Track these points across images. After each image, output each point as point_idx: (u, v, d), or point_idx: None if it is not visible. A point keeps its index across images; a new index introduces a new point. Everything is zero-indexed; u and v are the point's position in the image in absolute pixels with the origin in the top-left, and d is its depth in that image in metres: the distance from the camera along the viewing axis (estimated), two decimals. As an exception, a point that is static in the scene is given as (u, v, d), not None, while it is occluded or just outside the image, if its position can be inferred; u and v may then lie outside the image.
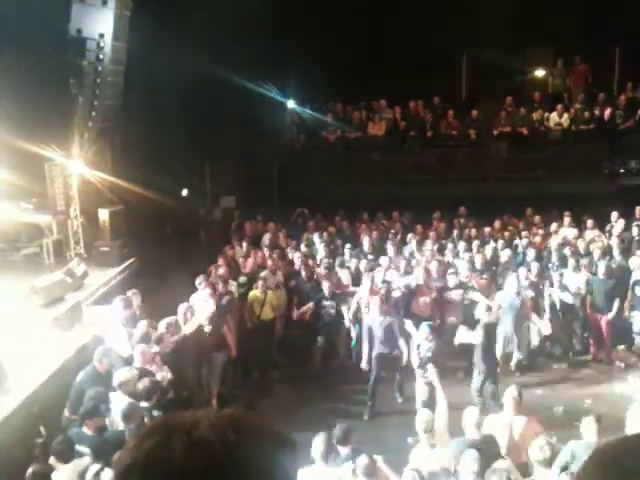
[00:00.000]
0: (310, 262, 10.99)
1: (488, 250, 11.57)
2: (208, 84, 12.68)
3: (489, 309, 8.73)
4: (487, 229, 12.89)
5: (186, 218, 13.37)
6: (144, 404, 5.88)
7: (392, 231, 12.91)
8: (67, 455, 5.04)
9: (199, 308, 8.40)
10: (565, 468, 5.12)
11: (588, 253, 11.31)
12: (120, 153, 11.70)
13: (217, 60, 12.02)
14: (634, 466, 0.92)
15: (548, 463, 5.07)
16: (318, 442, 5.20)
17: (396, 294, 9.61)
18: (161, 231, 12.22)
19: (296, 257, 11.12)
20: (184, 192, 13.72)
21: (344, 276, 10.54)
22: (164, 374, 6.86)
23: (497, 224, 13.20)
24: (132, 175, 11.14)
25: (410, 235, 12.28)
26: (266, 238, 12.42)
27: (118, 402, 5.85)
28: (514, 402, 6.16)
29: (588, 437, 5.39)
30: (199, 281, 9.17)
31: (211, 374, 8.53)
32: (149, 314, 8.19)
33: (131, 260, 11.22)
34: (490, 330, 8.41)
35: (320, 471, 5.14)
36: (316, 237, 12.39)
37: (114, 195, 11.39)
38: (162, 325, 7.67)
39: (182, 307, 8.38)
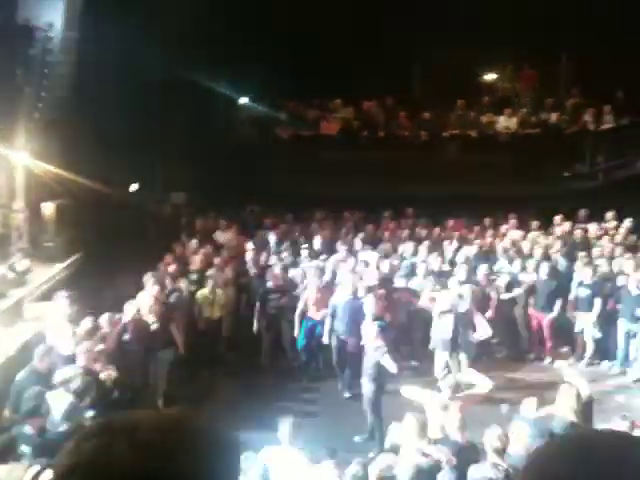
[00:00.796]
0: (262, 259, 11.01)
1: (445, 251, 11.78)
2: (162, 78, 12.50)
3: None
4: (437, 230, 13.11)
5: (135, 213, 13.16)
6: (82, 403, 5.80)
7: (343, 230, 13.00)
8: (6, 455, 4.93)
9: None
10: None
11: (531, 254, 11.64)
12: (69, 145, 11.40)
13: (172, 53, 11.87)
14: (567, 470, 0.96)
15: (501, 453, 5.26)
16: (285, 426, 5.43)
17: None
18: (109, 226, 11.98)
19: (247, 255, 11.10)
20: (133, 187, 13.50)
21: (297, 275, 10.59)
22: (109, 373, 6.77)
23: (449, 224, 13.45)
24: (80, 168, 10.88)
25: (360, 235, 12.40)
26: (217, 235, 12.36)
27: (58, 401, 5.75)
28: (451, 390, 6.39)
29: (526, 413, 5.64)
30: (147, 278, 9.07)
31: (157, 373, 8.44)
32: (95, 312, 8.05)
33: (77, 256, 10.99)
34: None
35: (285, 450, 5.32)
36: (271, 235, 12.38)
37: (61, 188, 11.13)
38: (105, 322, 7.56)
39: (129, 305, 8.28)
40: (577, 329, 10.53)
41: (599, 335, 10.29)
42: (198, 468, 0.94)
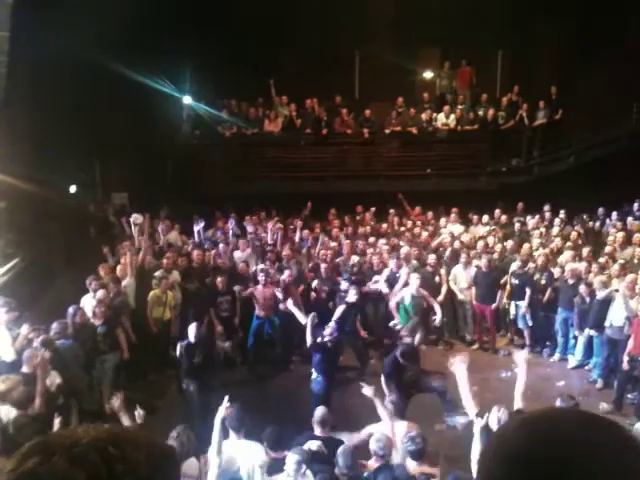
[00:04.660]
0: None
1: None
2: (100, 78, 12.22)
3: None
4: (384, 225, 13.30)
5: (75, 215, 12.86)
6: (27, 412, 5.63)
7: (291, 227, 13.03)
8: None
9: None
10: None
11: (473, 247, 11.95)
12: (2, 147, 11.06)
13: (110, 53, 11.63)
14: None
15: (418, 455, 5.18)
16: (232, 413, 5.36)
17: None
18: (48, 229, 11.66)
19: (195, 254, 10.99)
20: (73, 188, 13.19)
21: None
22: (52, 379, 6.61)
23: (391, 219, 13.67)
24: (16, 170, 10.57)
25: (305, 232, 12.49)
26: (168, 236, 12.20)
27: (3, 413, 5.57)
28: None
29: None
30: (89, 281, 8.89)
31: (103, 376, 8.29)
32: (37, 316, 7.84)
33: (15, 260, 10.66)
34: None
35: (233, 444, 5.29)
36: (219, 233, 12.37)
37: (-4, 192, 10.78)
38: (52, 328, 7.39)
39: (72, 309, 8.10)
40: (511, 317, 11.00)
41: (530, 323, 10.71)
42: (135, 478, 0.98)
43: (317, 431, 5.75)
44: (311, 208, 13.73)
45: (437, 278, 11.06)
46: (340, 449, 5.16)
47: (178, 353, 7.84)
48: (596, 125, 14.99)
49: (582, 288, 9.66)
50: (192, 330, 7.86)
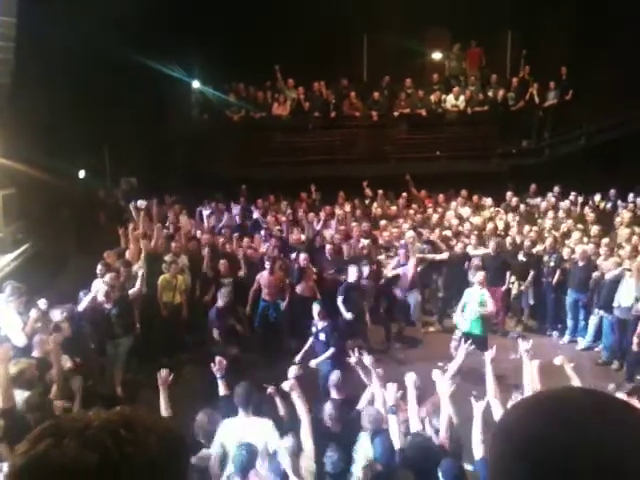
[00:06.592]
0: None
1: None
2: (108, 63, 12.21)
3: None
4: (394, 208, 13.28)
5: (84, 200, 12.91)
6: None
7: (300, 211, 13.03)
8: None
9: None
10: None
11: (483, 229, 11.92)
12: (11, 133, 11.08)
13: (117, 38, 11.59)
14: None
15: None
16: (239, 391, 5.43)
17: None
18: (58, 215, 11.72)
19: (204, 239, 11.03)
20: (81, 174, 13.23)
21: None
22: (64, 363, 6.67)
23: (401, 202, 13.63)
24: (25, 156, 10.61)
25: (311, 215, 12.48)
26: (170, 220, 12.23)
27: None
28: None
29: None
30: (101, 265, 8.93)
31: (117, 360, 8.36)
32: (47, 302, 7.89)
33: (26, 246, 10.74)
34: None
35: (242, 421, 5.34)
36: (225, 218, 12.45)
37: (5, 177, 10.83)
38: (58, 312, 7.43)
39: (83, 293, 8.16)
40: (512, 297, 11.03)
41: (532, 302, 10.88)
42: (148, 461, 0.99)
43: (333, 394, 6.05)
44: (319, 192, 13.73)
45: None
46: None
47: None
48: (607, 106, 14.81)
49: (599, 268, 9.64)
50: (223, 294, 8.82)
